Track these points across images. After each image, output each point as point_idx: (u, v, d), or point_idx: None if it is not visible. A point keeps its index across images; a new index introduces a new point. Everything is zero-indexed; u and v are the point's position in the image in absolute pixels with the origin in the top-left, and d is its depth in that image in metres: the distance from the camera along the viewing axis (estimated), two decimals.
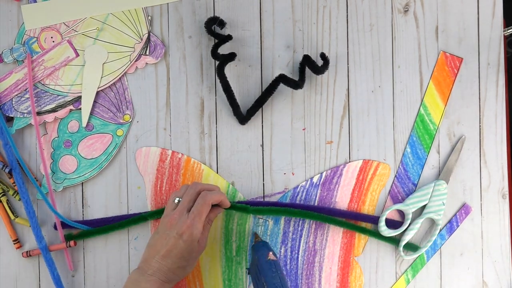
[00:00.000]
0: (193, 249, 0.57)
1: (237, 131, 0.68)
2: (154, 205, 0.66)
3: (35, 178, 0.66)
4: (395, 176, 0.68)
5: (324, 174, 0.67)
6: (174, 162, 0.67)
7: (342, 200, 0.67)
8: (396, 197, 0.68)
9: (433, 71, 0.68)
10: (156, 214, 0.65)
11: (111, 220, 0.66)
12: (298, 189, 0.67)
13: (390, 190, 0.68)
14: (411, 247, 0.67)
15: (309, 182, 0.67)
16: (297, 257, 0.67)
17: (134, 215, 0.66)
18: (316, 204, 0.67)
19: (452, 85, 0.69)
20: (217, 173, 0.67)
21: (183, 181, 0.67)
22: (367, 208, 0.67)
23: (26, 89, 0.66)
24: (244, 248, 0.67)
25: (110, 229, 0.66)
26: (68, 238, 0.65)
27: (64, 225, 0.65)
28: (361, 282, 0.67)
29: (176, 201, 0.60)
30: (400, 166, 0.68)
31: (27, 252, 0.65)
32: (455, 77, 0.69)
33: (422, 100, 0.68)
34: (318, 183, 0.67)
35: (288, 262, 0.67)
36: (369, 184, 0.68)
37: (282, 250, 0.67)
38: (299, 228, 0.67)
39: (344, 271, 0.67)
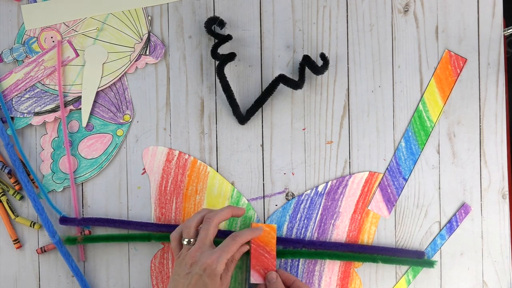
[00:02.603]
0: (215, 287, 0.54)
1: (237, 131, 0.68)
2: (158, 204, 0.66)
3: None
4: (387, 169, 0.68)
5: (329, 183, 0.67)
6: (181, 163, 0.67)
7: (346, 210, 0.67)
8: (386, 190, 0.67)
9: (435, 68, 0.68)
10: (161, 238, 0.65)
11: (113, 222, 0.66)
12: (303, 197, 0.67)
13: (380, 182, 0.68)
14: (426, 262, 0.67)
15: (314, 190, 0.67)
16: (298, 265, 0.67)
17: (137, 223, 0.66)
18: (319, 212, 0.67)
19: (454, 85, 0.69)
20: (217, 172, 0.67)
21: (188, 182, 0.66)
22: (370, 220, 0.67)
23: (26, 89, 0.66)
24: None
25: (112, 239, 0.65)
26: (68, 241, 0.65)
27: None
28: None
29: (185, 242, 0.58)
30: (393, 160, 0.68)
31: (41, 248, 0.65)
32: (457, 77, 0.69)
33: (421, 97, 0.68)
34: (323, 192, 0.67)
35: (288, 269, 0.66)
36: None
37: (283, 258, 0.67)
38: (301, 236, 0.67)
39: (344, 282, 0.67)
